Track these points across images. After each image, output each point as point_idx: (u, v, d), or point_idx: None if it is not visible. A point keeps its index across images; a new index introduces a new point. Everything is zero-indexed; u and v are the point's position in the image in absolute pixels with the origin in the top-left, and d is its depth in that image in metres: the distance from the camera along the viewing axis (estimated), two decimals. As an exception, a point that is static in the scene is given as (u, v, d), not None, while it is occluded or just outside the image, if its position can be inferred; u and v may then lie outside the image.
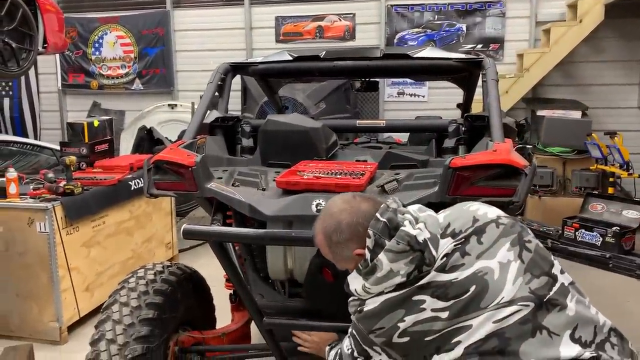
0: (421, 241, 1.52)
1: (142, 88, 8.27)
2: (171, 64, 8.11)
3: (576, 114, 6.75)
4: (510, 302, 1.46)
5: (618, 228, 5.43)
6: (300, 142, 2.71)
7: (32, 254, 3.90)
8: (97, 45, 8.33)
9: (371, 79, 3.81)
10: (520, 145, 2.76)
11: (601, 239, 5.50)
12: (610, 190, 6.21)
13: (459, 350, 1.46)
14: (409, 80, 7.28)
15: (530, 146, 3.18)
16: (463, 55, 3.26)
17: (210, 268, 3.15)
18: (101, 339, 2.38)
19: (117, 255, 4.59)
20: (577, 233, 5.70)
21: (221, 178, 2.48)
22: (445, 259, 1.53)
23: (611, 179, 6.23)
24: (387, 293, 1.55)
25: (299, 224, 2.19)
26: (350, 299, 1.66)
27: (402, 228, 1.54)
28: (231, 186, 2.41)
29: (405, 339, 1.51)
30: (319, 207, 2.14)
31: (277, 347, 2.48)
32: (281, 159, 2.73)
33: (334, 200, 1.69)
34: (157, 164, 2.45)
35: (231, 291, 3.18)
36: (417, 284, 1.52)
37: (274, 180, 2.38)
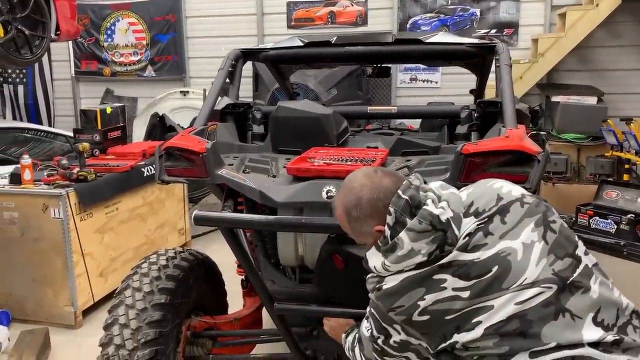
0: (444, 220, 1.49)
1: (154, 75, 8.29)
2: (183, 51, 8.11)
3: (591, 100, 6.66)
4: (532, 284, 1.45)
5: (633, 215, 5.37)
6: (311, 128, 2.70)
7: (47, 239, 3.95)
8: (109, 32, 8.35)
9: (383, 65, 3.77)
10: (534, 132, 2.74)
11: (616, 226, 5.44)
12: (626, 177, 6.13)
13: (479, 331, 1.45)
14: (421, 66, 7.22)
15: (544, 133, 3.14)
16: (476, 40, 3.22)
17: (222, 254, 3.17)
18: (114, 323, 2.41)
19: (130, 241, 4.63)
20: (591, 220, 5.65)
21: (232, 165, 2.49)
22: (467, 238, 1.51)
23: (627, 166, 6.15)
24: (407, 271, 1.53)
25: (309, 210, 2.19)
26: (369, 275, 1.65)
27: (424, 207, 1.52)
28: (242, 173, 2.41)
29: (426, 317, 1.51)
30: (329, 194, 2.14)
31: (289, 333, 2.49)
32: (292, 146, 2.72)
33: (355, 174, 1.66)
34: (168, 150, 2.46)
35: (243, 277, 3.20)
36: (438, 263, 1.50)
37: (285, 167, 2.38)
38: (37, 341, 3.62)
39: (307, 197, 2.17)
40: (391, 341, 1.63)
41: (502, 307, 1.44)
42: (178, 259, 2.66)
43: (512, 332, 1.43)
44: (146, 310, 2.41)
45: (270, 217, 2.16)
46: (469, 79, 4.01)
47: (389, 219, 1.54)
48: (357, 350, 1.87)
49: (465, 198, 1.58)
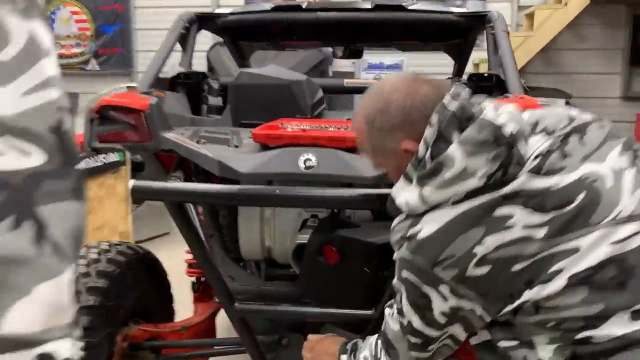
0: (509, 134, 1.08)
1: (98, 69, 7.78)
2: (131, 44, 7.60)
3: (559, 103, 6.53)
4: (630, 218, 1.05)
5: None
6: (280, 98, 2.28)
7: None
8: (49, 21, 7.71)
9: (356, 46, 3.40)
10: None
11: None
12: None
13: (560, 282, 1.04)
14: (386, 63, 6.97)
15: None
16: (465, 10, 2.91)
17: (171, 261, 2.70)
18: (26, 332, 1.88)
19: (62, 243, 4.05)
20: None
21: (183, 135, 2.03)
22: (539, 159, 1.11)
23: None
24: (454, 204, 1.10)
25: (282, 184, 1.76)
26: (395, 222, 1.20)
27: (484, 113, 1.12)
28: (196, 143, 1.95)
29: (485, 270, 1.07)
30: (308, 164, 1.70)
31: (253, 340, 2.02)
32: (256, 118, 2.27)
33: (388, 77, 1.33)
34: (102, 112, 1.96)
35: (193, 279, 2.73)
36: (501, 192, 1.08)
37: (250, 137, 1.94)
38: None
39: (280, 167, 1.72)
40: (436, 314, 1.14)
41: (592, 248, 1.04)
42: (113, 253, 2.16)
43: (606, 281, 1.03)
44: (69, 315, 1.90)
45: (233, 187, 1.70)
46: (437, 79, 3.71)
47: (429, 132, 1.14)
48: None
49: (527, 117, 1.20)
